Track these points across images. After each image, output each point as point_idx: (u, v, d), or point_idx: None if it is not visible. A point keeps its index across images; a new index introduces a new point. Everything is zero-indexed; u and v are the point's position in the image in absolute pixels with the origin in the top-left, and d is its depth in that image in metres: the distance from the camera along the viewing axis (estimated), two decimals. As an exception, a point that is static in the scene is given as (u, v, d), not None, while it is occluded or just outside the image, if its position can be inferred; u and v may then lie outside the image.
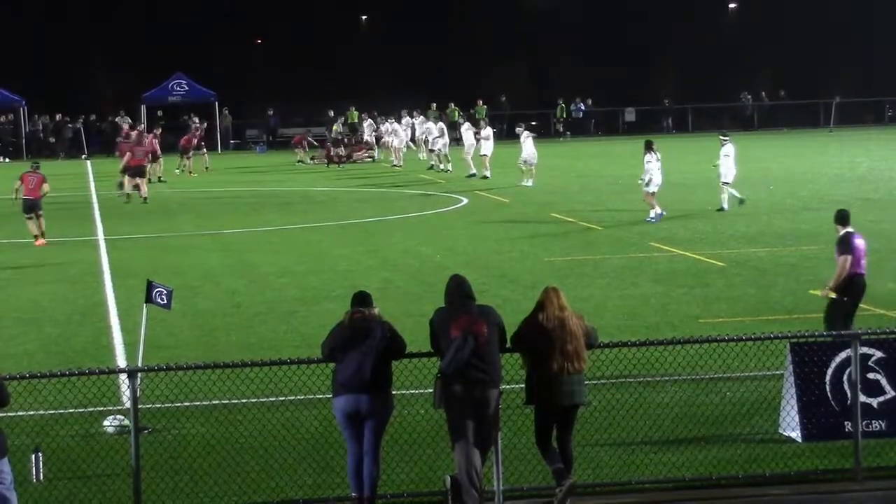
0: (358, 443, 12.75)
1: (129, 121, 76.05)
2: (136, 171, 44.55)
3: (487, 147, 50.08)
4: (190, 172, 56.93)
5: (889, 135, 71.91)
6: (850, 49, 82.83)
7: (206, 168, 58.75)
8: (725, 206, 36.56)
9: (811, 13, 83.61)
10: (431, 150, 56.48)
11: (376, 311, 12.94)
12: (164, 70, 76.67)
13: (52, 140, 74.56)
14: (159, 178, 53.37)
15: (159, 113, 77.37)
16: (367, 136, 65.59)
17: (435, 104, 75.49)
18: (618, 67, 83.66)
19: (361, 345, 12.66)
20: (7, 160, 71.75)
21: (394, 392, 12.97)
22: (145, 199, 43.92)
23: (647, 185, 34.76)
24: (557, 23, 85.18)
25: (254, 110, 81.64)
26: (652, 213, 34.57)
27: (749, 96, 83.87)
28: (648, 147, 35.25)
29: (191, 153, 58.19)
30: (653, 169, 34.72)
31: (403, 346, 13.00)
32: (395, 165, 58.41)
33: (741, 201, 36.60)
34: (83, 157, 71.85)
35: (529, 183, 45.64)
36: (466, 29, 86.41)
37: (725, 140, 37.28)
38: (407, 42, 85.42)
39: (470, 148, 51.51)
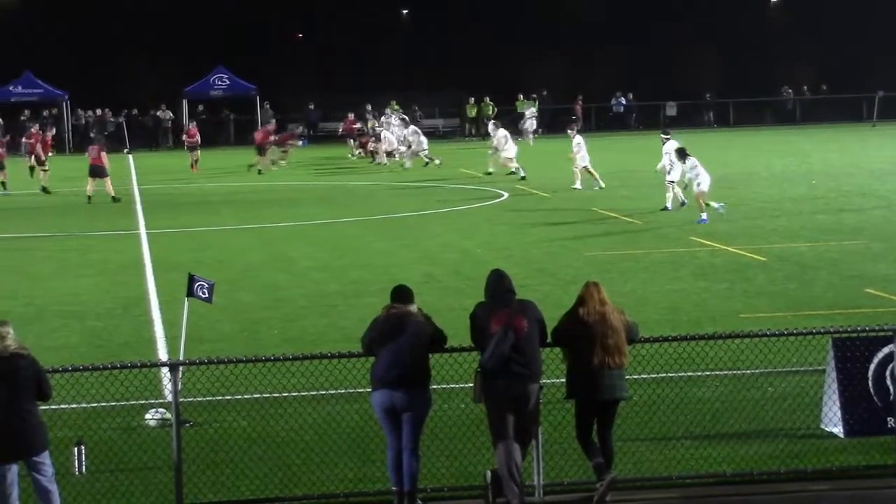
0: (397, 437, 12.75)
1: (171, 115, 76.47)
2: (94, 170, 44.03)
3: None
4: (278, 162, 56.38)
5: (932, 129, 71.42)
6: (894, 42, 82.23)
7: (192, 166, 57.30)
8: (669, 205, 35.76)
9: (853, 6, 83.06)
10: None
11: (414, 307, 12.93)
12: (206, 64, 76.91)
13: (92, 134, 74.90)
14: (259, 170, 53.40)
15: (200, 107, 77.51)
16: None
17: (473, 98, 75.02)
18: (659, 61, 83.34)
19: (397, 340, 12.64)
20: (51, 153, 71.96)
21: (434, 386, 12.97)
22: (114, 197, 43.13)
23: (699, 184, 33.56)
24: (599, 16, 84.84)
25: (294, 104, 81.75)
26: (703, 215, 33.17)
27: (790, 90, 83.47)
28: (682, 154, 34.38)
29: (286, 146, 57.75)
30: (693, 171, 33.91)
31: (444, 339, 12.99)
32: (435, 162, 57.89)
33: (683, 203, 35.75)
34: (125, 151, 72.06)
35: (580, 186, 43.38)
36: (507, 22, 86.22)
37: (667, 138, 36.45)
38: (449, 36, 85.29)
39: (510, 149, 50.13)
